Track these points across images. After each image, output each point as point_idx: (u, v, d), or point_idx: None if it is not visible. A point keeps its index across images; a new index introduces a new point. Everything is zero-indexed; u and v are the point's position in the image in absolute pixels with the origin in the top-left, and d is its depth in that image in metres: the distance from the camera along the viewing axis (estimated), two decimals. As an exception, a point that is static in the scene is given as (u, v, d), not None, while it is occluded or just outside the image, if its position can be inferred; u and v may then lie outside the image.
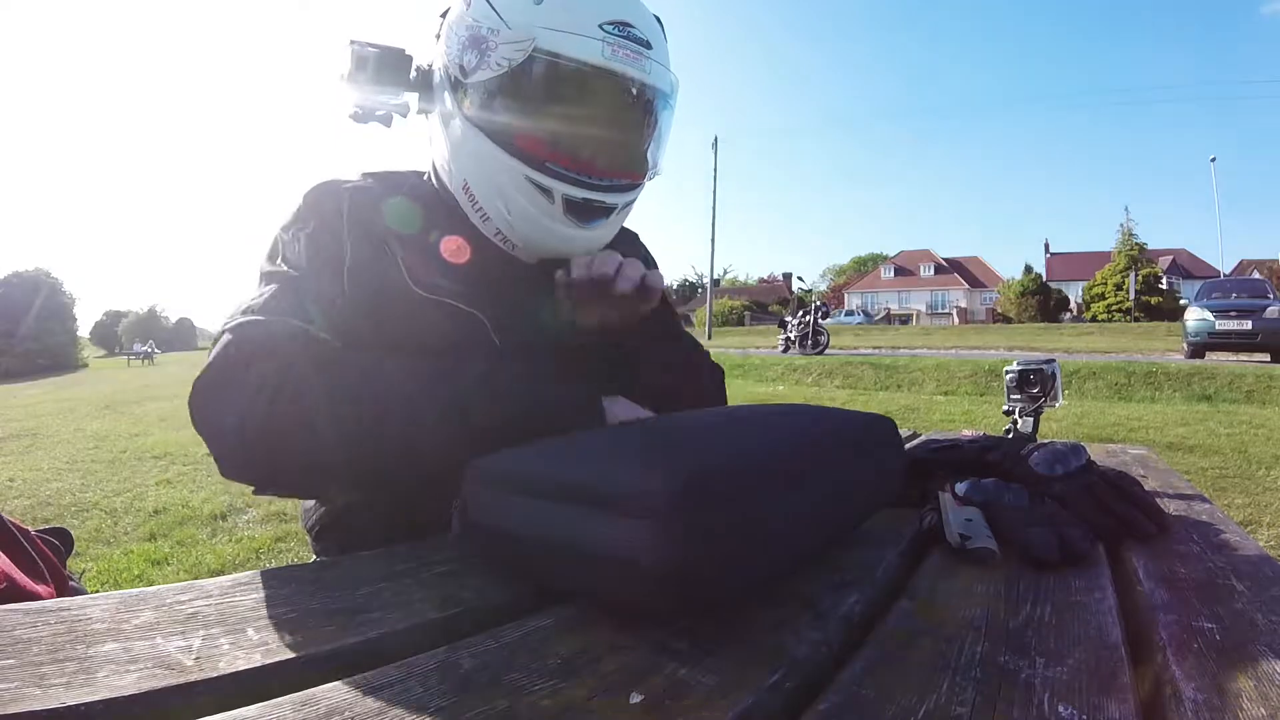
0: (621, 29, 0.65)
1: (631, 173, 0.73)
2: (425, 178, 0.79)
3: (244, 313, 0.61)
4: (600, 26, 0.64)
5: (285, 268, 0.66)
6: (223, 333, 0.60)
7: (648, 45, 0.67)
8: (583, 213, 0.69)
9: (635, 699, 0.31)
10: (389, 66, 0.70)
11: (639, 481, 0.38)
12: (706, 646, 0.36)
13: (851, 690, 0.33)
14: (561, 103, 0.67)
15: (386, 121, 0.74)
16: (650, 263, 0.89)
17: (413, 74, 0.72)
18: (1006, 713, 0.31)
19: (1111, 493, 0.61)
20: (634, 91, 0.68)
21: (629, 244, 0.87)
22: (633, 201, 0.75)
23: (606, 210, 0.71)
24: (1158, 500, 0.65)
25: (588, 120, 0.68)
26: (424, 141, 0.78)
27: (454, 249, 0.70)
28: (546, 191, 0.67)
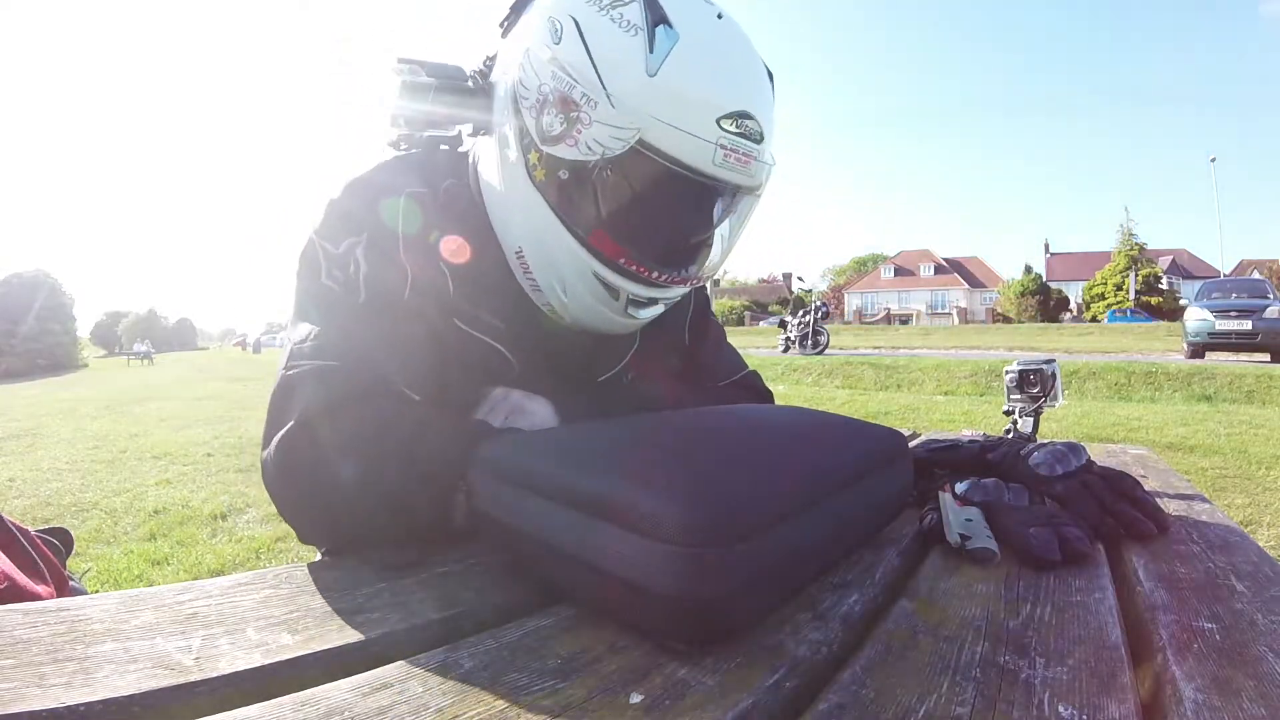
0: (739, 123, 0.55)
1: (702, 277, 0.66)
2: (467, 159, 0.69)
3: (313, 347, 0.55)
4: (718, 122, 0.54)
5: (335, 286, 0.59)
6: (293, 369, 0.54)
7: (760, 138, 0.57)
8: (641, 305, 0.64)
9: (635, 699, 0.31)
10: (449, 96, 0.61)
11: (659, 505, 0.37)
12: (706, 647, 0.36)
13: (851, 690, 0.33)
14: (651, 205, 0.58)
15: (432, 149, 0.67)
16: (692, 307, 0.83)
17: (469, 83, 0.62)
18: (1006, 713, 0.31)
19: (1111, 493, 0.61)
20: (732, 196, 0.60)
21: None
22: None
23: (667, 301, 0.66)
24: (1158, 500, 0.65)
25: (673, 224, 0.61)
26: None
27: (454, 249, 0.65)
28: (613, 289, 0.61)
